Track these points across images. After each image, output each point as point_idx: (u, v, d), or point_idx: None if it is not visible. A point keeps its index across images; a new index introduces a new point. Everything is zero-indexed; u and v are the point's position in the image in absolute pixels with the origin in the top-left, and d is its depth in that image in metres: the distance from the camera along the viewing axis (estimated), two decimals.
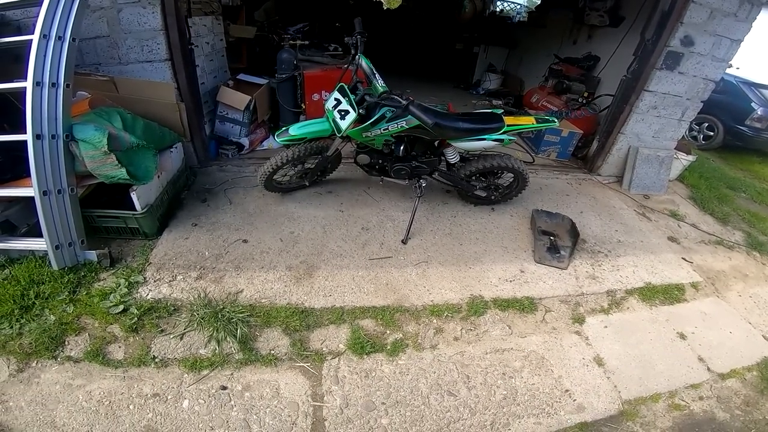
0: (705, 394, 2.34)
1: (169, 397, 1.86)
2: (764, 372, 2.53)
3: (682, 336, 2.66)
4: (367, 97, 2.61)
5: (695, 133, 6.86)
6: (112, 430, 1.72)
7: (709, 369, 2.49)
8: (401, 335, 2.31)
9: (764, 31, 4.87)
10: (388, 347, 2.23)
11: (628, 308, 2.81)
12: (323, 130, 2.73)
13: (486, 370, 2.21)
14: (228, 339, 2.10)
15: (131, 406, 1.81)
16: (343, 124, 2.57)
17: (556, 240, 3.19)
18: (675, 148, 4.49)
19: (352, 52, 2.69)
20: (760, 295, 3.23)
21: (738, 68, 6.29)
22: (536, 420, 2.02)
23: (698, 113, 4.31)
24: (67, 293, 2.18)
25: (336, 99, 2.62)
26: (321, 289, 2.48)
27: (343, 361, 2.14)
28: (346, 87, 2.62)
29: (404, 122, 2.63)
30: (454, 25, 7.91)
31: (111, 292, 2.21)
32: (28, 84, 2.00)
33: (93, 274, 2.32)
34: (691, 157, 4.60)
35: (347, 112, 2.54)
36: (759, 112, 6.25)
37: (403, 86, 2.63)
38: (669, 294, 2.97)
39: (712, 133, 6.74)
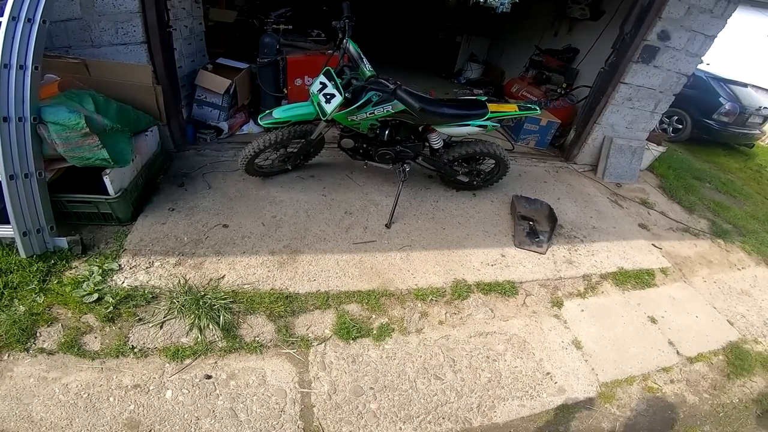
0: (675, 377, 2.47)
1: (150, 388, 1.81)
2: (729, 356, 2.69)
3: (653, 320, 2.79)
4: (353, 81, 2.58)
5: (665, 126, 7.11)
6: (93, 424, 1.66)
7: (678, 352, 2.62)
8: (387, 319, 2.32)
9: (735, 29, 5.06)
10: (375, 332, 2.24)
11: (602, 292, 2.92)
12: (308, 113, 2.68)
13: (471, 354, 2.25)
14: (211, 326, 2.05)
15: (111, 398, 1.75)
16: (329, 108, 2.53)
17: (535, 225, 3.27)
18: (646, 139, 4.64)
19: (340, 36, 2.64)
20: (724, 280, 3.41)
21: (708, 64, 6.54)
22: (520, 402, 2.09)
23: (669, 106, 4.45)
24: (36, 282, 2.08)
25: (321, 83, 2.57)
26: (305, 273, 2.46)
27: (330, 346, 2.13)
28: (332, 71, 2.57)
29: (390, 107, 2.61)
30: (437, 14, 7.88)
31: (84, 281, 2.12)
32: None
33: (64, 262, 2.22)
34: (661, 148, 4.77)
35: (333, 95, 2.50)
36: (727, 107, 6.54)
37: (384, 74, 2.61)
38: (640, 279, 3.10)
39: (681, 126, 7.01)
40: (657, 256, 3.41)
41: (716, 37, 3.93)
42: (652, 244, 3.54)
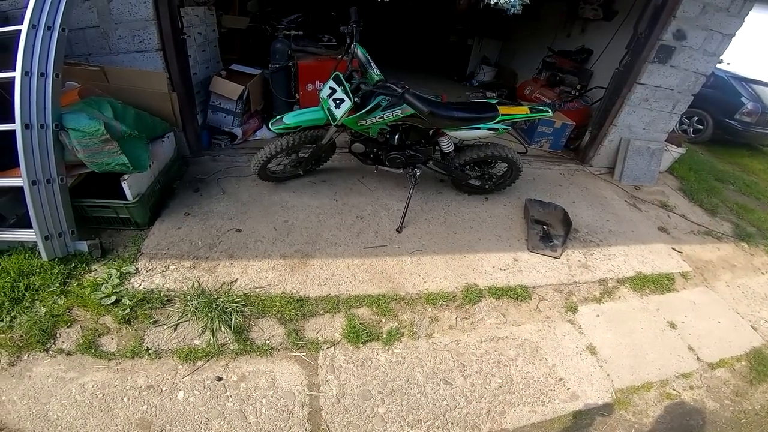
0: (695, 383, 2.39)
1: (163, 389, 1.85)
2: (753, 362, 2.59)
3: (673, 325, 2.71)
4: (362, 86, 2.60)
5: (685, 127, 6.94)
6: (107, 424, 1.70)
7: (698, 358, 2.53)
8: (397, 324, 2.32)
9: (755, 27, 4.92)
10: (384, 336, 2.24)
11: (619, 297, 2.85)
12: (318, 118, 2.70)
13: (481, 359, 2.23)
14: (223, 329, 2.08)
15: (125, 399, 1.79)
16: (338, 113, 2.55)
17: (549, 229, 3.22)
18: (666, 141, 4.53)
19: (348, 41, 2.67)
20: (747, 285, 3.29)
21: (729, 63, 6.37)
22: (531, 408, 2.05)
23: (689, 107, 4.35)
24: (57, 284, 2.15)
25: (331, 88, 2.59)
26: (316, 277, 2.47)
27: (339, 350, 2.14)
28: (341, 76, 2.59)
29: (399, 111, 2.62)
30: (448, 17, 7.88)
31: (103, 283, 2.18)
32: (16, 74, 1.96)
33: (84, 265, 2.29)
34: (681, 150, 4.65)
35: (342, 100, 2.52)
36: (749, 107, 6.34)
37: (396, 78, 2.62)
38: (659, 283, 3.02)
39: (702, 127, 6.83)
40: (677, 260, 3.32)
41: (734, 35, 3.83)
42: (672, 248, 3.45)
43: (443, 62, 7.97)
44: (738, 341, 2.73)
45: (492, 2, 4.02)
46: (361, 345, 2.17)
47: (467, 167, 3.25)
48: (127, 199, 2.45)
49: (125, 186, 2.40)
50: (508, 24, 6.94)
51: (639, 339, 2.55)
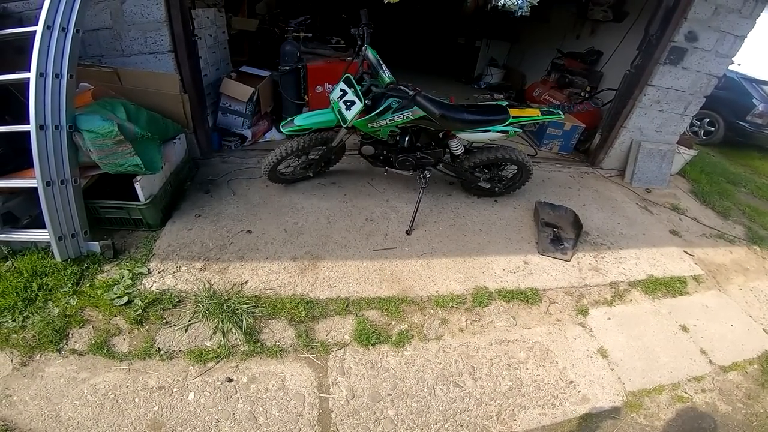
0: (707, 386, 2.36)
1: (174, 390, 1.85)
2: (765, 365, 2.55)
3: (685, 328, 2.68)
4: (373, 88, 2.60)
5: (696, 128, 6.88)
6: (118, 424, 1.71)
7: (711, 362, 2.50)
8: (406, 326, 2.31)
9: (766, 28, 4.87)
10: (394, 338, 2.23)
11: (631, 300, 2.82)
12: (328, 120, 2.71)
13: (491, 361, 2.21)
14: (233, 330, 2.09)
15: (137, 400, 1.80)
16: (349, 115, 2.55)
17: (560, 232, 3.20)
18: (677, 143, 4.49)
19: (359, 43, 2.67)
20: (760, 288, 3.25)
21: (740, 65, 6.30)
22: (541, 411, 2.03)
23: (699, 108, 4.30)
24: (70, 285, 2.17)
25: (342, 90, 2.60)
26: (326, 279, 2.47)
27: (349, 352, 2.14)
28: (352, 78, 2.60)
29: (410, 113, 2.62)
30: (455, 19, 7.87)
31: (115, 284, 2.20)
32: (31, 75, 1.98)
33: (96, 266, 2.31)
34: (692, 152, 4.60)
35: (353, 102, 2.53)
36: (760, 108, 6.28)
37: (404, 80, 2.64)
38: (671, 286, 2.99)
39: (713, 129, 6.77)
40: (689, 264, 3.28)
41: (746, 37, 3.79)
42: (684, 251, 3.41)
43: (451, 64, 7.95)
44: (750, 345, 2.69)
45: (499, 4, 4.03)
46: (370, 347, 2.17)
47: (477, 170, 3.23)
48: (139, 201, 2.48)
49: (138, 187, 2.42)
50: (516, 26, 6.92)
51: (650, 342, 2.53)
